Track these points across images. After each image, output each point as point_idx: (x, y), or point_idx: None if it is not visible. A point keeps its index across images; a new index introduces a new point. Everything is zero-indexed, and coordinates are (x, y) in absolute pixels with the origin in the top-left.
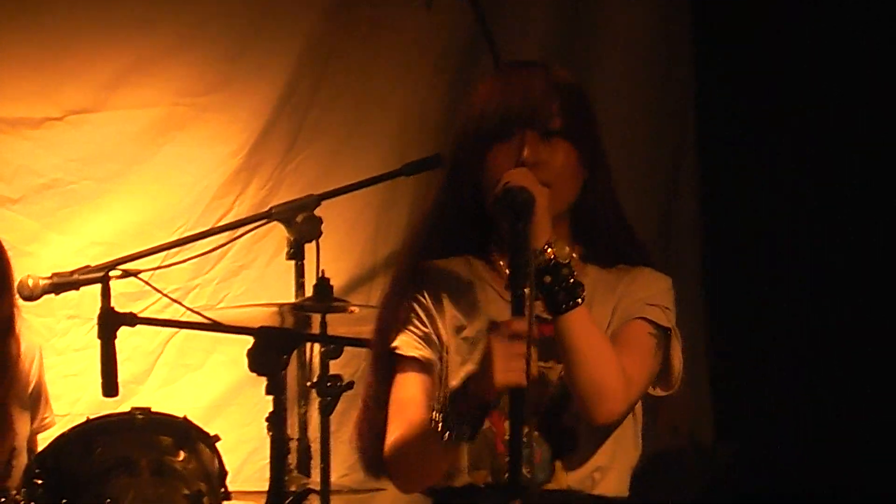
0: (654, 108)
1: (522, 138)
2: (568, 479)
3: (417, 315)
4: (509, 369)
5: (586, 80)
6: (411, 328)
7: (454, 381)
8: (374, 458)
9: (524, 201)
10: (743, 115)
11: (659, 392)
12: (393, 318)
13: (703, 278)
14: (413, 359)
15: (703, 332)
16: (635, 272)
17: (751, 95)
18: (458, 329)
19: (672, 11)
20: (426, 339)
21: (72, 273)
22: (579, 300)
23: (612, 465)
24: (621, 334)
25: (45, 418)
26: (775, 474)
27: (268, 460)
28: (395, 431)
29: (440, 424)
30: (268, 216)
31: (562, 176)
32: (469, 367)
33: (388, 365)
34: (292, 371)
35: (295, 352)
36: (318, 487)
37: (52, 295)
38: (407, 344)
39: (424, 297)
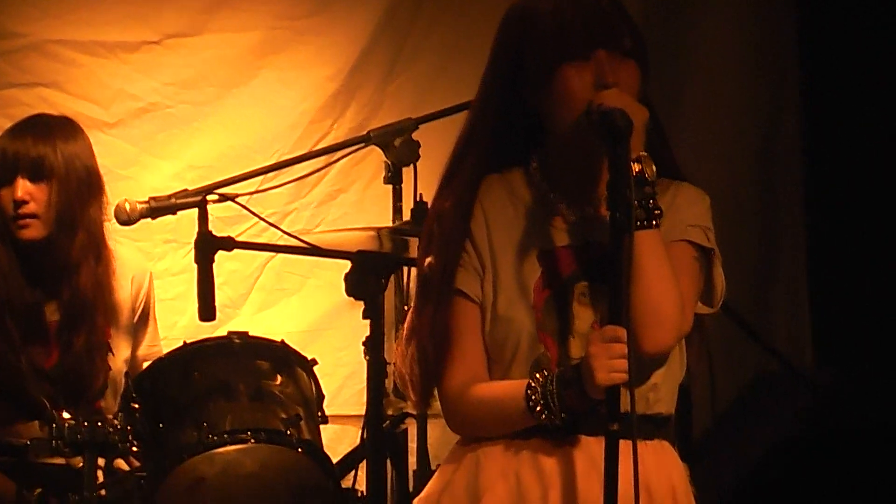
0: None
1: (599, 59)
2: (626, 402)
3: (475, 244)
4: (612, 369)
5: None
6: (471, 262)
7: (503, 310)
8: (424, 389)
9: (624, 127)
10: None
11: (703, 310)
12: (449, 246)
13: (803, 201)
14: (470, 297)
15: (803, 257)
16: (674, 188)
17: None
18: (504, 252)
19: None
20: (479, 269)
21: (169, 197)
22: (654, 223)
23: (664, 384)
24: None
25: (153, 346)
26: (874, 401)
27: (365, 384)
28: (458, 377)
29: (539, 406)
30: (366, 140)
31: (632, 96)
32: (517, 292)
33: (445, 297)
34: (389, 295)
35: (392, 276)
36: (415, 412)
37: (149, 219)
38: (469, 283)
39: (476, 219)
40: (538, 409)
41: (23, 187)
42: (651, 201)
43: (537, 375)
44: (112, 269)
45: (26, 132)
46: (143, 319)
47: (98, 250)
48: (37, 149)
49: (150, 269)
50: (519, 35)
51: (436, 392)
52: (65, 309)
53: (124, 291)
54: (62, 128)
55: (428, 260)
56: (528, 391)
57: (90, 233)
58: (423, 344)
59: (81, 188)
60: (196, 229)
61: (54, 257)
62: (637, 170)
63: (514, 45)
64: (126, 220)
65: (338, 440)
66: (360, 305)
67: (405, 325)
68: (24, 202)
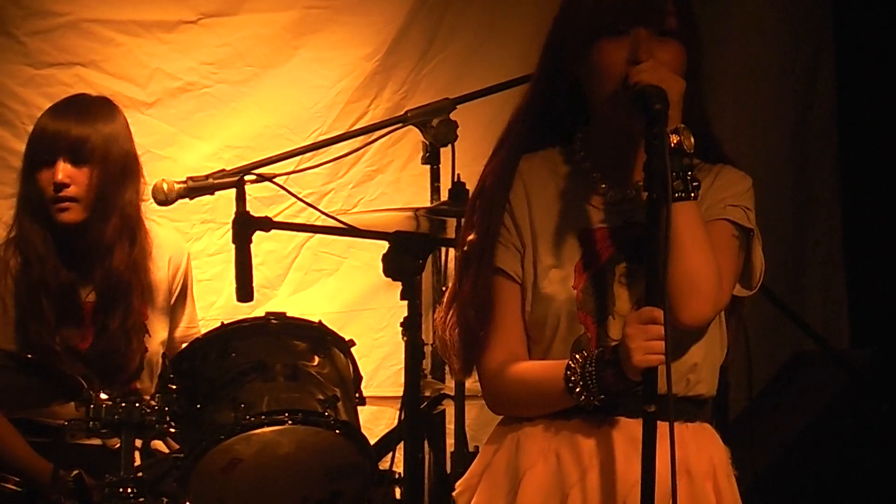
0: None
1: (637, 36)
2: (663, 382)
3: (516, 222)
4: (649, 350)
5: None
6: (511, 240)
7: (543, 290)
8: (465, 361)
9: (660, 109)
10: None
11: (742, 292)
12: (490, 221)
13: (838, 182)
14: (511, 276)
15: (839, 238)
16: (716, 170)
17: None
18: (545, 230)
19: None
20: (519, 247)
21: (206, 177)
22: (693, 195)
23: (704, 364)
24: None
25: (191, 327)
26: None
27: (402, 365)
28: (498, 355)
29: (578, 387)
30: (403, 120)
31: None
32: (558, 271)
33: (485, 273)
34: (427, 276)
35: (430, 256)
36: (452, 393)
37: (187, 199)
38: (510, 261)
39: (517, 196)
40: (577, 389)
41: (63, 170)
42: (690, 173)
43: (577, 356)
44: (148, 251)
45: (68, 114)
46: (180, 300)
47: (133, 232)
48: (79, 131)
49: (187, 250)
50: (567, 8)
51: (475, 371)
52: (99, 291)
53: (161, 272)
54: (102, 110)
55: (470, 236)
56: (568, 372)
57: (124, 215)
58: (465, 315)
59: (119, 172)
60: (234, 209)
61: (89, 240)
62: (675, 141)
63: (562, 19)
64: (164, 200)
65: (375, 421)
66: (398, 286)
67: (448, 292)
68: (66, 185)
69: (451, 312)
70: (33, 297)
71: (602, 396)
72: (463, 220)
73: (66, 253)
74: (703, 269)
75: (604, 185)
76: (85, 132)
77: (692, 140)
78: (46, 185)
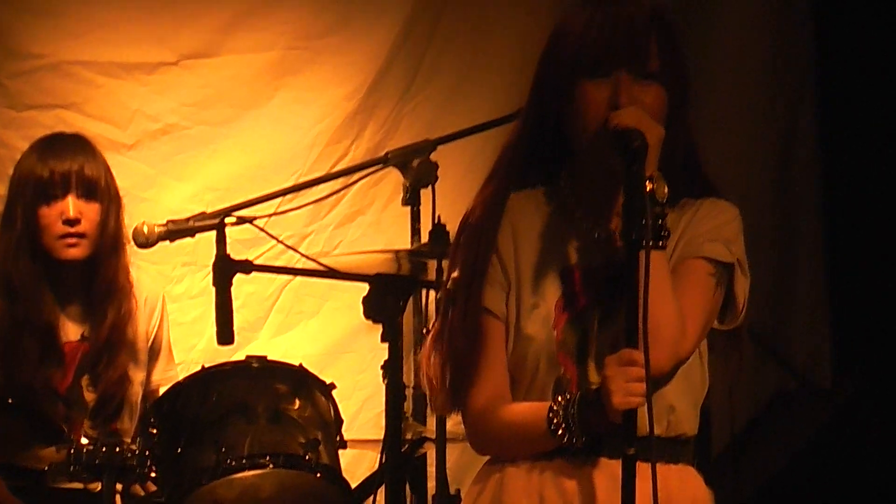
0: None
1: (618, 79)
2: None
3: (501, 259)
4: (629, 392)
5: (702, 48)
6: (497, 278)
7: (524, 329)
8: (450, 398)
9: (639, 147)
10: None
11: (724, 326)
12: (476, 263)
13: (822, 215)
14: (495, 315)
15: (822, 269)
16: (698, 204)
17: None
18: (529, 269)
19: None
20: (504, 284)
21: (187, 220)
22: (661, 243)
23: (684, 403)
24: (678, 275)
25: (168, 370)
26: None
27: (383, 408)
28: (482, 396)
29: (560, 428)
30: (383, 161)
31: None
32: (539, 311)
33: (471, 312)
34: (408, 318)
35: (411, 298)
36: (433, 435)
37: (167, 242)
38: (496, 300)
39: (503, 233)
40: (560, 431)
41: (75, 206)
42: (660, 221)
43: (559, 398)
44: (135, 295)
45: (72, 150)
46: (156, 343)
47: (128, 276)
48: (90, 167)
49: (161, 293)
50: (551, 49)
51: (456, 411)
52: (94, 339)
53: (139, 314)
54: (95, 147)
55: (454, 273)
56: (550, 413)
57: (125, 253)
58: (453, 351)
59: (118, 210)
60: (214, 252)
61: (95, 278)
62: (649, 188)
63: (546, 60)
64: (144, 242)
65: (356, 464)
66: (379, 328)
67: (433, 329)
68: (77, 221)
69: (436, 349)
70: (16, 335)
71: (584, 438)
72: (448, 257)
73: (58, 291)
74: (664, 320)
75: (587, 225)
76: (96, 169)
77: (665, 190)
78: (52, 220)
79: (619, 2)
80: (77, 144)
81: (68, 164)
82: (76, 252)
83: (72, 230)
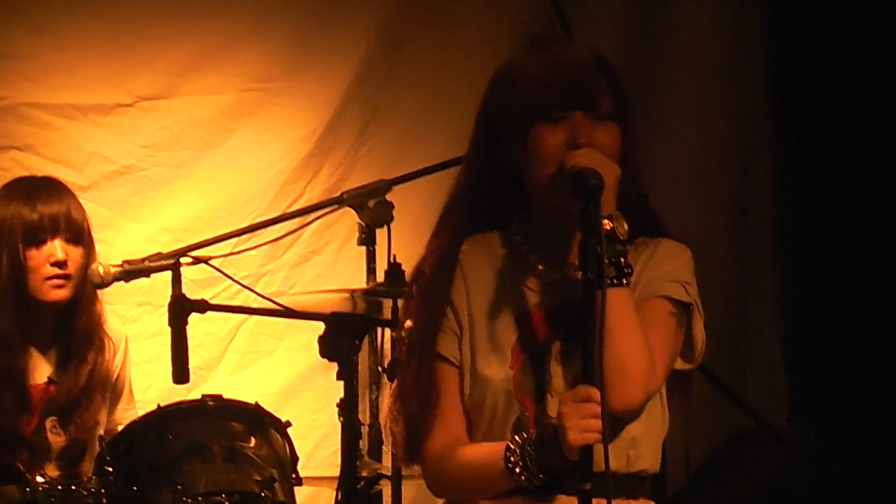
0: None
1: (574, 121)
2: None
3: (453, 305)
4: (585, 428)
5: (659, 74)
6: (449, 325)
7: (481, 371)
8: (409, 450)
9: (594, 185)
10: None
11: (683, 366)
12: (430, 308)
13: (778, 254)
14: (449, 360)
15: (778, 309)
16: (654, 244)
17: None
18: (482, 313)
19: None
20: (457, 330)
21: (143, 260)
22: (624, 280)
23: (645, 439)
24: (642, 313)
25: (129, 409)
26: (851, 457)
27: (339, 446)
28: (438, 441)
29: (518, 467)
30: (339, 201)
31: (610, 157)
32: (495, 352)
33: (425, 360)
34: (363, 356)
35: (366, 337)
36: (389, 473)
37: (123, 282)
38: (449, 346)
39: (457, 280)
40: (517, 470)
41: (63, 248)
42: (622, 259)
43: (516, 437)
44: (102, 315)
45: (56, 194)
46: (119, 383)
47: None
48: (75, 211)
49: (125, 333)
50: (499, 94)
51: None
52: (78, 380)
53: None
54: (71, 190)
55: (408, 322)
56: (507, 453)
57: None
58: (408, 407)
59: (94, 252)
60: (170, 292)
61: (75, 321)
62: (608, 227)
63: (494, 105)
64: (100, 283)
65: (313, 501)
66: (334, 367)
67: (393, 384)
68: (65, 263)
69: (397, 405)
70: None
71: (542, 476)
72: (401, 304)
73: (30, 333)
74: (634, 356)
75: (541, 267)
76: (81, 212)
77: (625, 227)
78: (40, 262)
79: (562, 45)
80: (58, 188)
81: (56, 207)
82: (62, 293)
83: (60, 272)
